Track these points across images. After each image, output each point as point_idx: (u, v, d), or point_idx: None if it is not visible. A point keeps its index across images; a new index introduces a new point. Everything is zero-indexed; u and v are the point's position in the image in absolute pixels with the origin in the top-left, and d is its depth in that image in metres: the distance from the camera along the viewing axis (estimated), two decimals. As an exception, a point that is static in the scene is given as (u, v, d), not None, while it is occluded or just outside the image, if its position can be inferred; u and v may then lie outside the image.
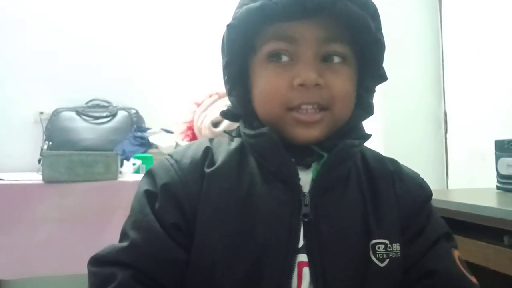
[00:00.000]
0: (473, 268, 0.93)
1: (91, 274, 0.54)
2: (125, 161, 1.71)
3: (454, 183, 1.85)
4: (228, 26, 0.56)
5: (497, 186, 1.24)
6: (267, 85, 0.56)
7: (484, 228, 0.95)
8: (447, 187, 1.88)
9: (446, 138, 1.90)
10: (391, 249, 0.56)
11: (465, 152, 1.76)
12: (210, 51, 2.24)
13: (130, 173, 1.66)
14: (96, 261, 0.54)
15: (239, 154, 0.58)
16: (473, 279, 0.58)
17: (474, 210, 0.97)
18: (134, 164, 1.71)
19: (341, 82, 0.55)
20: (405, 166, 0.65)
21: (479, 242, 0.95)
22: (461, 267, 0.58)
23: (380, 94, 2.05)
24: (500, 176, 1.22)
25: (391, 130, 1.86)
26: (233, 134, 0.63)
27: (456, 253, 0.59)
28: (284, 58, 0.55)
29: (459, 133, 1.82)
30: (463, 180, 1.78)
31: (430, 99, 1.93)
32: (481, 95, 1.67)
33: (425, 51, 1.94)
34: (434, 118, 1.92)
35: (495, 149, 1.23)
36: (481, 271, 0.93)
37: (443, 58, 1.92)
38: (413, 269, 0.57)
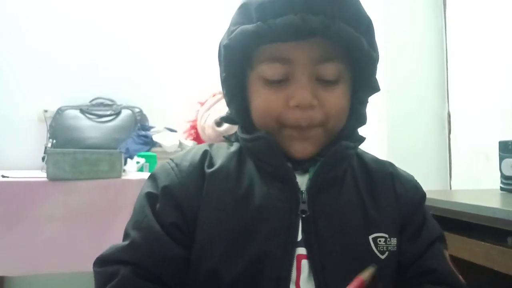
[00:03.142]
0: (477, 269, 0.93)
1: (96, 274, 0.56)
2: (128, 160, 1.72)
3: (458, 183, 1.85)
4: (224, 46, 0.58)
5: (501, 187, 1.24)
6: (263, 104, 0.58)
7: (487, 229, 0.95)
8: (450, 188, 1.88)
9: (449, 139, 1.90)
10: (390, 243, 0.59)
11: (469, 152, 1.76)
12: (213, 50, 2.25)
13: (134, 171, 1.66)
14: (101, 262, 0.57)
15: (237, 157, 0.61)
16: (461, 278, 0.62)
17: (478, 211, 0.97)
18: (137, 162, 1.72)
19: (335, 99, 0.57)
20: (400, 169, 0.68)
21: (483, 243, 0.95)
22: (452, 267, 0.62)
23: (384, 94, 2.06)
24: (504, 177, 1.22)
25: (395, 130, 1.86)
26: (232, 139, 0.66)
27: (447, 254, 0.63)
28: (280, 76, 0.57)
29: (463, 133, 1.82)
30: (467, 181, 1.77)
31: (434, 99, 1.93)
32: (485, 96, 1.67)
33: (429, 51, 1.93)
34: (437, 119, 1.92)
35: (499, 150, 1.23)
36: (485, 272, 0.93)
37: (447, 58, 1.92)
38: (411, 267, 0.60)
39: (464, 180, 1.80)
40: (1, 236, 1.29)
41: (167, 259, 0.55)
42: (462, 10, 1.82)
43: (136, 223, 0.57)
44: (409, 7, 1.93)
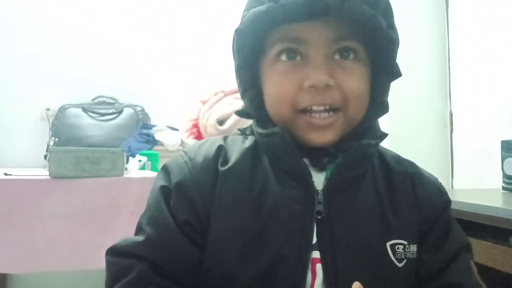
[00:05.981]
0: (478, 268, 0.93)
1: (109, 264, 0.55)
2: (130, 158, 1.72)
3: (459, 183, 1.85)
4: (236, 31, 0.56)
5: (503, 186, 1.24)
6: (276, 86, 0.55)
7: (489, 228, 0.95)
8: (452, 187, 1.88)
9: (451, 138, 1.90)
10: (408, 250, 0.56)
11: (471, 152, 1.76)
12: (216, 49, 2.25)
13: (136, 169, 1.66)
14: (114, 252, 0.55)
15: (252, 152, 0.58)
16: None
17: (480, 210, 0.97)
18: (139, 161, 1.72)
19: (354, 81, 0.54)
20: (424, 170, 0.64)
21: (484, 242, 0.95)
22: (480, 280, 0.58)
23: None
24: (506, 176, 1.22)
25: (397, 130, 1.86)
26: (247, 132, 0.63)
27: (473, 265, 0.59)
28: (294, 57, 0.54)
29: (465, 133, 1.82)
30: (469, 180, 1.77)
31: (436, 99, 1.93)
32: (487, 96, 1.66)
33: (432, 51, 1.93)
34: (439, 118, 1.92)
35: (501, 150, 1.23)
36: (487, 271, 0.93)
37: (449, 58, 1.92)
38: (433, 280, 0.57)
39: (466, 180, 1.80)
40: (3, 234, 1.30)
41: (181, 258, 0.54)
42: (464, 10, 1.82)
43: (151, 218, 0.56)
44: (411, 6, 1.93)
